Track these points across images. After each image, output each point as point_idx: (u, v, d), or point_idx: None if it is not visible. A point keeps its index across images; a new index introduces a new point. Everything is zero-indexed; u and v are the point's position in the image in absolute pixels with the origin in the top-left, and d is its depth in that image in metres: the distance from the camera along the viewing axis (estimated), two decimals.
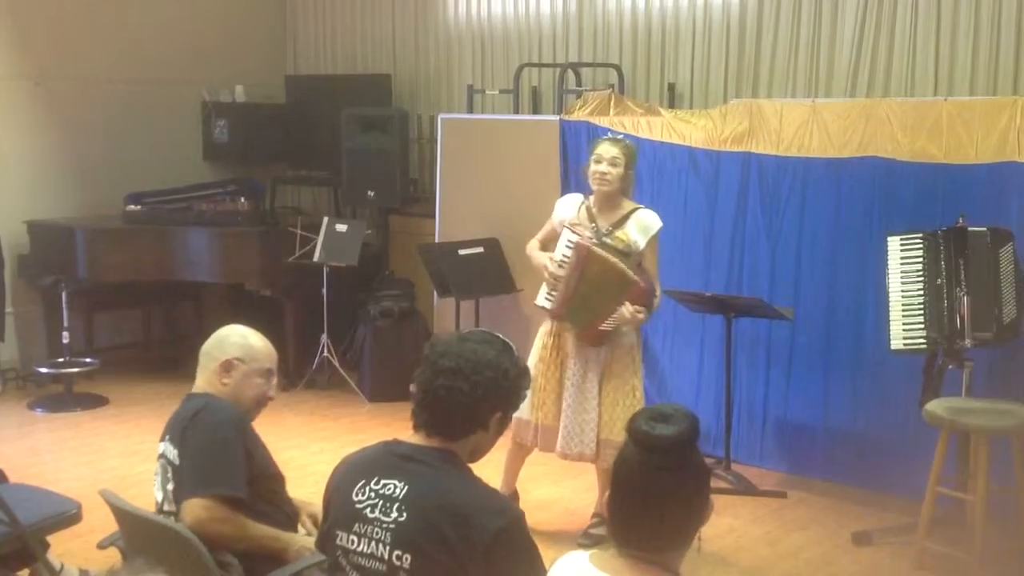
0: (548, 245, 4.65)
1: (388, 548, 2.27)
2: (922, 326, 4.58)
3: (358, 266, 6.80)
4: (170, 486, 2.94)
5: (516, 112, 6.88)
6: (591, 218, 4.54)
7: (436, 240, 6.80)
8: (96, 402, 6.69)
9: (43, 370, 6.77)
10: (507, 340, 2.47)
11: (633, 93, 6.56)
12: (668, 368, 5.99)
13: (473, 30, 7.51)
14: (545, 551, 2.32)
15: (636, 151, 4.67)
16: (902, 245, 4.74)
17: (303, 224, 6.91)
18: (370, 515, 2.31)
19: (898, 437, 5.08)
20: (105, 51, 7.52)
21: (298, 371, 7.06)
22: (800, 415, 5.51)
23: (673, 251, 5.47)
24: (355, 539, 2.33)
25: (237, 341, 3.08)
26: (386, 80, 7.78)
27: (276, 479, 3.06)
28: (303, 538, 2.95)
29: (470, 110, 7.05)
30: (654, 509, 1.95)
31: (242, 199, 7.32)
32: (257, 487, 2.92)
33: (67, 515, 3.66)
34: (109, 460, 5.66)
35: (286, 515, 3.02)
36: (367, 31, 8.16)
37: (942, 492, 4.36)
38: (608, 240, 4.46)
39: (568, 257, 4.42)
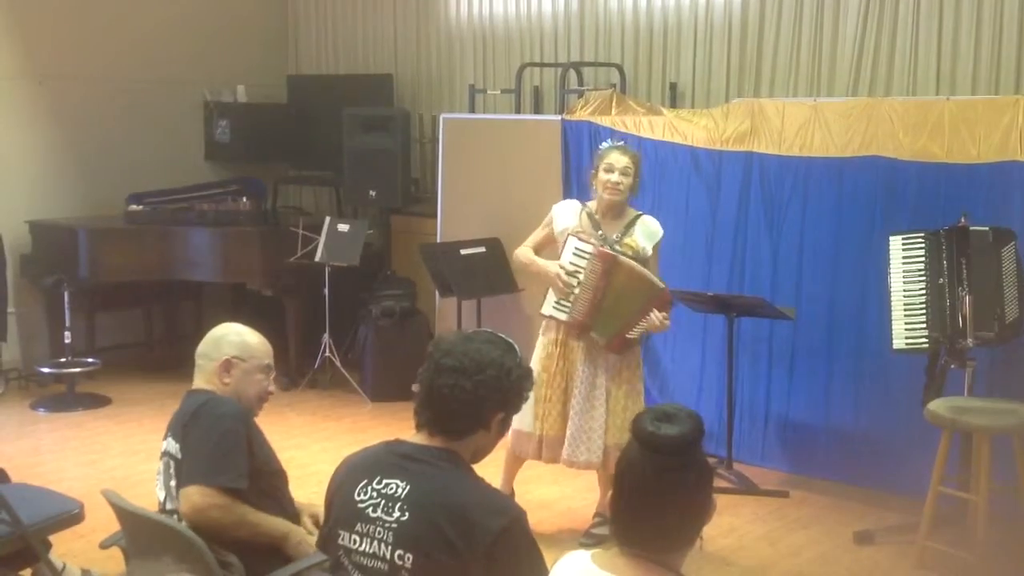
0: (541, 252, 4.58)
1: (390, 548, 2.28)
2: (924, 326, 4.58)
3: (360, 266, 6.79)
4: (173, 483, 2.94)
5: (518, 112, 6.88)
6: (595, 225, 4.48)
7: (438, 240, 6.80)
8: (98, 402, 6.69)
9: (45, 370, 6.78)
10: (511, 341, 2.48)
11: (635, 93, 6.56)
12: (670, 368, 5.99)
13: (475, 30, 7.51)
14: (547, 551, 2.32)
15: (641, 158, 4.67)
16: (904, 244, 4.74)
17: (305, 224, 6.92)
18: (372, 515, 2.32)
19: (900, 437, 5.07)
20: (107, 51, 7.53)
21: (300, 371, 7.08)
22: (802, 415, 5.51)
23: (675, 251, 5.45)
24: (357, 539, 2.33)
25: (234, 340, 3.09)
26: (388, 80, 7.78)
27: (278, 475, 3.06)
28: (302, 529, 2.96)
29: (472, 110, 7.05)
30: (657, 508, 1.95)
31: (244, 199, 7.34)
32: (259, 482, 2.93)
33: (69, 515, 3.66)
34: (111, 460, 5.66)
35: (288, 514, 3.02)
36: (369, 31, 8.16)
37: (944, 491, 4.35)
38: (618, 247, 4.42)
39: (581, 266, 4.36)
